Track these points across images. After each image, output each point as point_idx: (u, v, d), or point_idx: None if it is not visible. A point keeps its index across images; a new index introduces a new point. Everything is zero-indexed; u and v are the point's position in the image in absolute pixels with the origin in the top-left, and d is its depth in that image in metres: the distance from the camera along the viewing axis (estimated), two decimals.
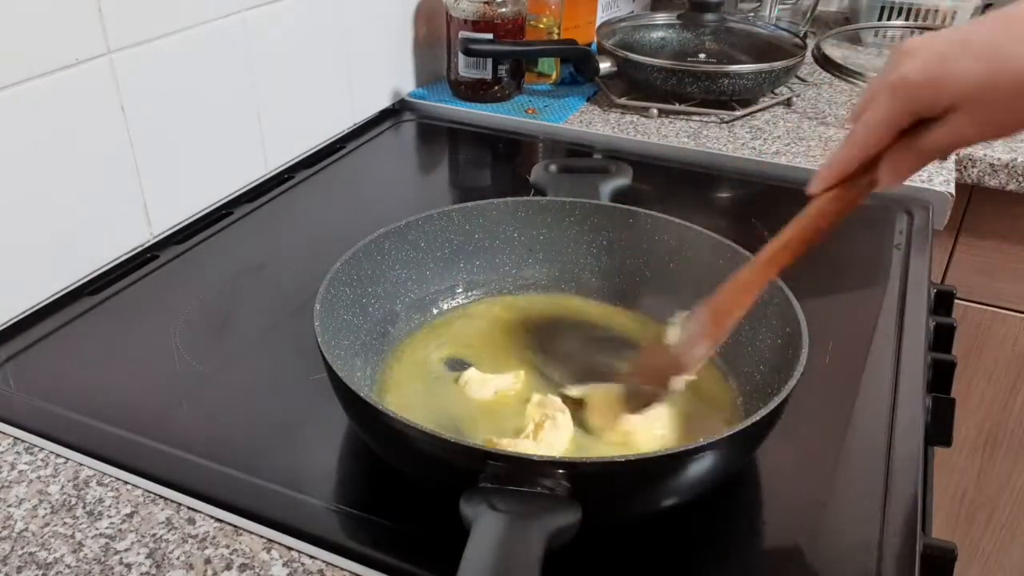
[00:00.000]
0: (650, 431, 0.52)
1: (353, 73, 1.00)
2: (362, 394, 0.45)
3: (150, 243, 0.76)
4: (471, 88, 1.10)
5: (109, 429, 0.54)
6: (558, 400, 0.53)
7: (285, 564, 0.45)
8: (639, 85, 1.09)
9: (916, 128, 0.43)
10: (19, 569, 0.45)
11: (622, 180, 0.74)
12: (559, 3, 1.15)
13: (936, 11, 1.32)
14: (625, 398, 0.52)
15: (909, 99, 0.42)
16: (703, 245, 0.61)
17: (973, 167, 0.99)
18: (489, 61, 1.07)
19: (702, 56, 1.14)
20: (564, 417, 0.51)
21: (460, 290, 0.65)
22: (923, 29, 1.33)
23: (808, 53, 1.12)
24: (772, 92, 1.10)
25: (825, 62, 1.15)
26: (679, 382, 0.50)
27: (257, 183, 0.88)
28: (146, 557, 0.46)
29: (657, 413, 0.52)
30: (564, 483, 0.40)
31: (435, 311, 0.64)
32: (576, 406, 0.54)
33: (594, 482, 0.42)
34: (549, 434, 0.50)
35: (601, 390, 0.54)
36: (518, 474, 0.40)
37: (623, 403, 0.52)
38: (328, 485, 0.51)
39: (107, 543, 0.46)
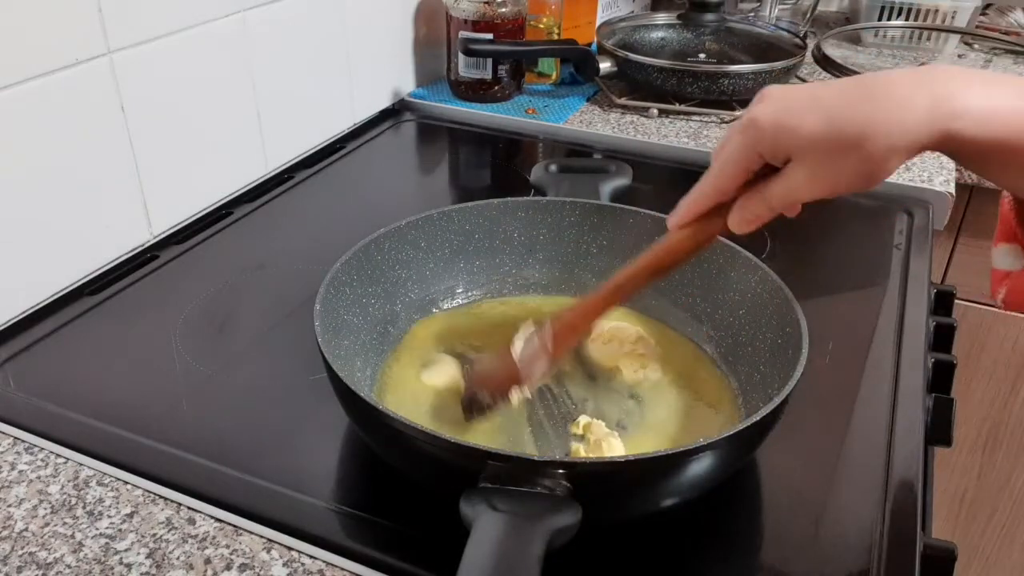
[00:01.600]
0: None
1: (353, 73, 1.00)
2: (362, 394, 0.45)
3: (150, 243, 0.76)
4: (471, 88, 1.10)
5: (109, 429, 0.54)
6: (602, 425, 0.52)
7: (285, 564, 0.45)
8: (639, 85, 1.09)
9: (765, 176, 0.44)
10: (19, 569, 0.45)
11: (622, 180, 0.74)
12: (559, 3, 1.15)
13: (936, 11, 1.32)
14: (464, 405, 0.52)
15: (755, 140, 0.42)
16: None
17: None
18: (489, 61, 1.07)
19: (702, 56, 1.14)
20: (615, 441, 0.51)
21: (460, 290, 0.65)
22: (923, 29, 1.33)
23: (808, 53, 1.12)
24: None
25: (825, 62, 1.15)
26: (515, 395, 0.50)
27: (257, 183, 0.88)
28: (146, 557, 0.46)
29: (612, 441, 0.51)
30: (564, 483, 0.40)
31: (435, 311, 0.64)
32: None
33: (594, 482, 0.42)
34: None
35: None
36: (518, 474, 0.40)
37: (462, 408, 0.52)
38: (328, 485, 0.51)
39: (107, 543, 0.46)
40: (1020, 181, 0.41)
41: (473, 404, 0.51)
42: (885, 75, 0.40)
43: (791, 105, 0.41)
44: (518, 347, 0.51)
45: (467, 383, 0.54)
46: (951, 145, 0.39)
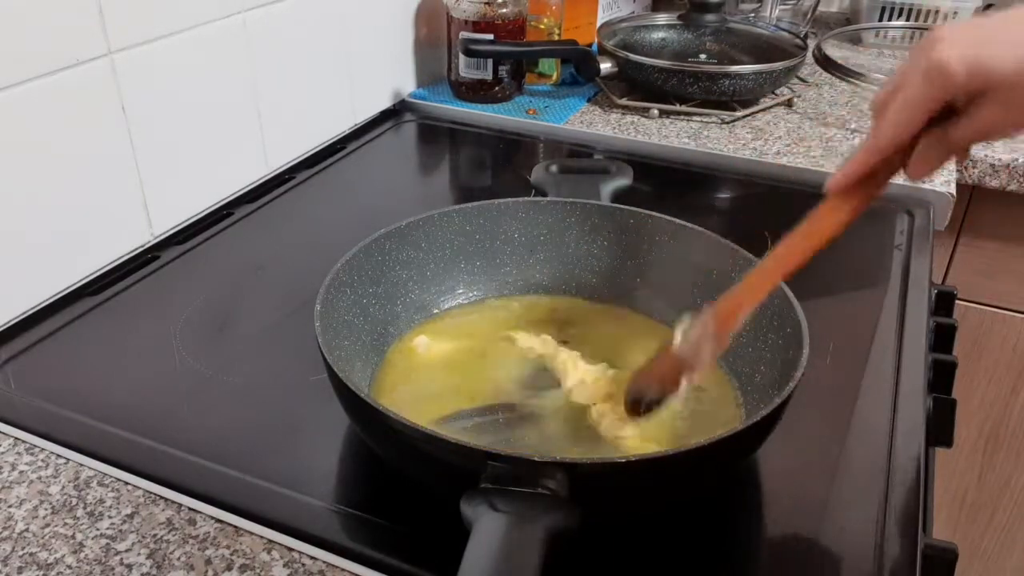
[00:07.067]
0: (645, 445, 0.51)
1: (354, 73, 1.00)
2: (362, 394, 0.45)
3: (151, 243, 0.76)
4: (472, 89, 1.10)
5: (110, 429, 0.54)
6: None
7: (286, 565, 0.45)
8: (640, 86, 1.09)
9: (942, 120, 0.42)
10: (20, 570, 0.45)
11: (623, 181, 0.74)
12: (560, 4, 1.15)
13: (936, 11, 1.32)
14: (628, 405, 0.51)
15: (944, 84, 0.41)
16: (704, 246, 0.61)
17: (974, 167, 0.99)
18: (490, 62, 1.07)
19: (703, 57, 1.14)
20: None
21: (461, 290, 0.65)
22: (924, 30, 1.33)
23: (809, 54, 1.12)
24: (773, 93, 1.10)
25: (826, 63, 1.15)
26: (686, 384, 0.49)
27: (258, 183, 0.88)
28: (147, 558, 0.46)
29: (655, 428, 0.51)
30: (565, 484, 0.40)
31: (436, 311, 0.64)
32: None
33: (594, 482, 0.42)
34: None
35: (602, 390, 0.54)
36: (519, 475, 0.40)
37: (627, 408, 0.51)
38: (328, 485, 0.51)
39: (108, 544, 0.46)
40: None
41: (640, 402, 0.50)
42: None
43: (979, 40, 0.40)
44: (677, 339, 0.50)
45: (629, 386, 0.52)
46: None
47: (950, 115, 0.42)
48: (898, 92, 0.43)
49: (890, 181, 0.46)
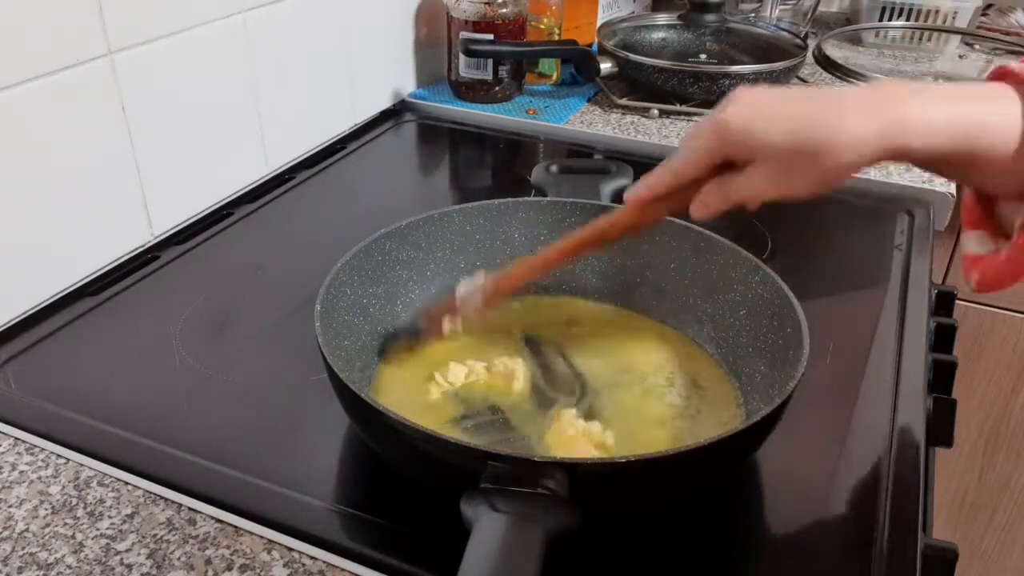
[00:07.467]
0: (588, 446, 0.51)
1: (354, 73, 1.00)
2: (363, 395, 0.45)
3: (151, 243, 0.76)
4: (472, 89, 1.10)
5: (110, 429, 0.54)
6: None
7: (286, 565, 0.45)
8: (640, 86, 1.09)
9: (728, 171, 0.46)
10: (20, 570, 0.45)
11: (623, 181, 0.74)
12: (560, 4, 1.15)
13: (937, 12, 1.32)
14: (401, 331, 0.58)
15: (722, 140, 0.45)
16: (704, 246, 0.61)
17: None
18: (490, 62, 1.07)
19: (703, 57, 1.14)
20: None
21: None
22: (924, 30, 1.33)
23: (809, 54, 1.12)
24: None
25: (826, 63, 1.15)
26: (447, 326, 0.56)
27: (258, 183, 0.88)
28: (147, 558, 0.46)
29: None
30: (565, 484, 0.40)
31: None
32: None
33: (595, 482, 0.42)
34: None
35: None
36: (519, 475, 0.40)
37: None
38: (328, 485, 0.51)
39: (108, 544, 0.46)
40: (972, 179, 0.46)
41: (411, 331, 0.58)
42: (839, 93, 0.44)
43: (759, 112, 0.44)
44: (460, 289, 0.56)
45: (413, 316, 0.60)
46: (903, 157, 0.43)
47: (732, 167, 0.46)
48: (693, 137, 0.47)
49: (676, 210, 0.50)
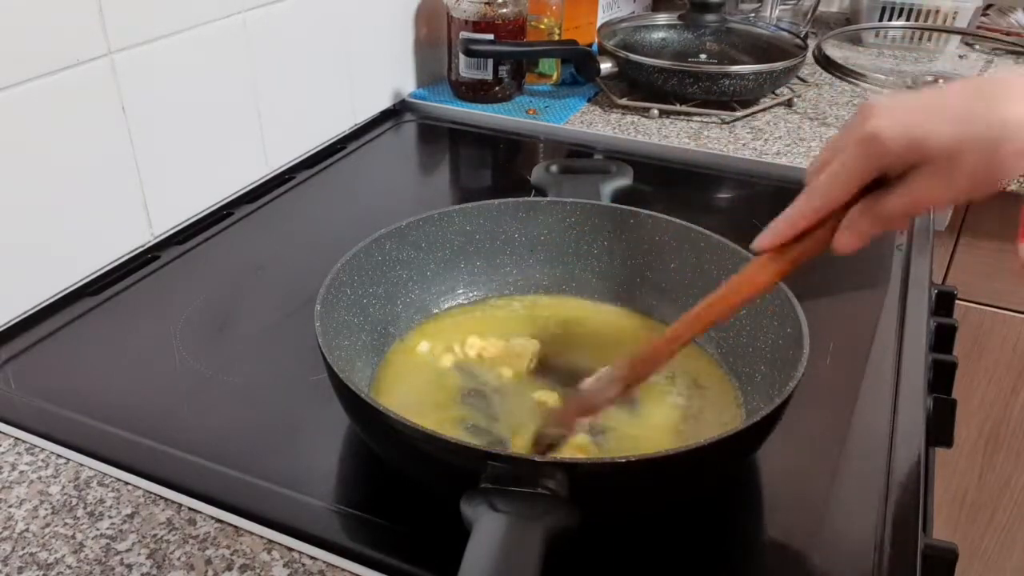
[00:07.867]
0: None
1: (354, 73, 1.00)
2: (362, 394, 0.45)
3: (151, 243, 0.76)
4: (472, 89, 1.10)
5: (110, 429, 0.54)
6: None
7: (286, 565, 0.45)
8: (640, 86, 1.09)
9: (874, 191, 0.42)
10: (20, 570, 0.45)
11: (623, 181, 0.75)
12: (560, 4, 1.15)
13: (937, 12, 1.32)
14: (534, 441, 0.50)
15: (877, 156, 0.41)
16: (704, 246, 0.61)
17: None
18: (490, 62, 1.07)
19: (703, 57, 1.14)
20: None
21: (461, 291, 0.65)
22: (924, 30, 1.33)
23: (809, 54, 1.12)
24: (773, 93, 1.10)
25: (826, 63, 1.15)
26: (582, 424, 0.50)
27: (258, 183, 0.88)
28: (147, 558, 0.46)
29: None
30: (565, 484, 0.40)
31: (436, 311, 0.64)
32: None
33: (595, 482, 0.42)
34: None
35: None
36: (519, 475, 0.40)
37: (533, 445, 0.50)
38: (328, 485, 0.51)
39: (108, 544, 0.46)
40: None
41: (543, 438, 0.49)
42: (993, 79, 0.41)
43: (910, 115, 0.40)
44: (587, 384, 0.50)
45: (538, 425, 0.51)
46: None
47: (880, 187, 0.42)
48: (832, 159, 0.43)
49: (816, 253, 0.45)
